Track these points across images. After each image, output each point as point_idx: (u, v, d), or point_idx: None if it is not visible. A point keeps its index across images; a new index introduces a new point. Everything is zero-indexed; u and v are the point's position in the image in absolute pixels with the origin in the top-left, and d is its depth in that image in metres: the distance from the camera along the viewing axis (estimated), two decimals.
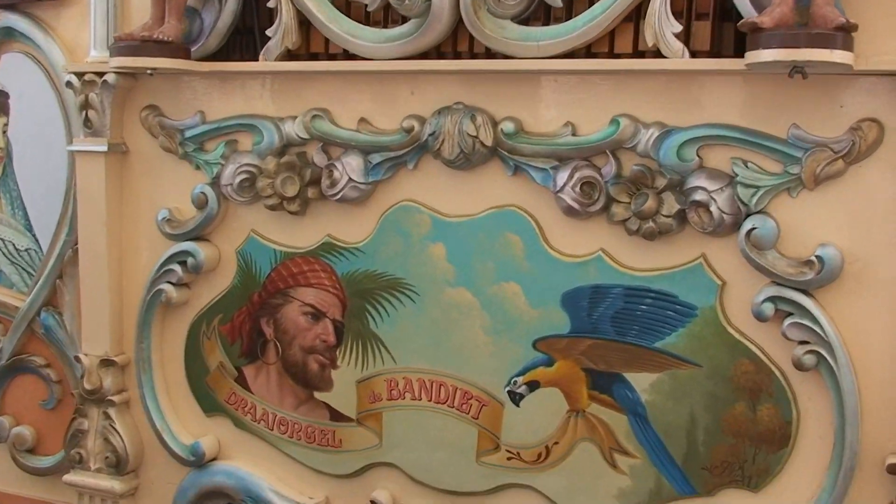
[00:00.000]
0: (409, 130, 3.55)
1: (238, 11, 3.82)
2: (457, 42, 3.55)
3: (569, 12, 3.37)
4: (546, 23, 3.41)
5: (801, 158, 3.05)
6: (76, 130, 4.20)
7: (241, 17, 3.84)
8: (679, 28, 3.13)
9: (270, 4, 3.74)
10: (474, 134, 3.41)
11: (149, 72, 3.79)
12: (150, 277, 4.06)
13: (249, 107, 3.87)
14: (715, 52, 3.20)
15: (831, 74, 2.96)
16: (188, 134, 3.97)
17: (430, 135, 3.49)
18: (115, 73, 3.95)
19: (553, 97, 3.40)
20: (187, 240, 3.99)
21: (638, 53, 3.27)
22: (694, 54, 3.15)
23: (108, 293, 4.12)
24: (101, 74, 4.00)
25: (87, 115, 4.05)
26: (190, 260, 3.94)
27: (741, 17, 3.08)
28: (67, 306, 4.39)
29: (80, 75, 4.05)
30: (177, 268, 3.98)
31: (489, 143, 3.42)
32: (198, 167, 3.98)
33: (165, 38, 3.62)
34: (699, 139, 3.17)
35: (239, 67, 3.80)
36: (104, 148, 4.05)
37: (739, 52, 3.12)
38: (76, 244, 4.25)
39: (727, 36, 3.23)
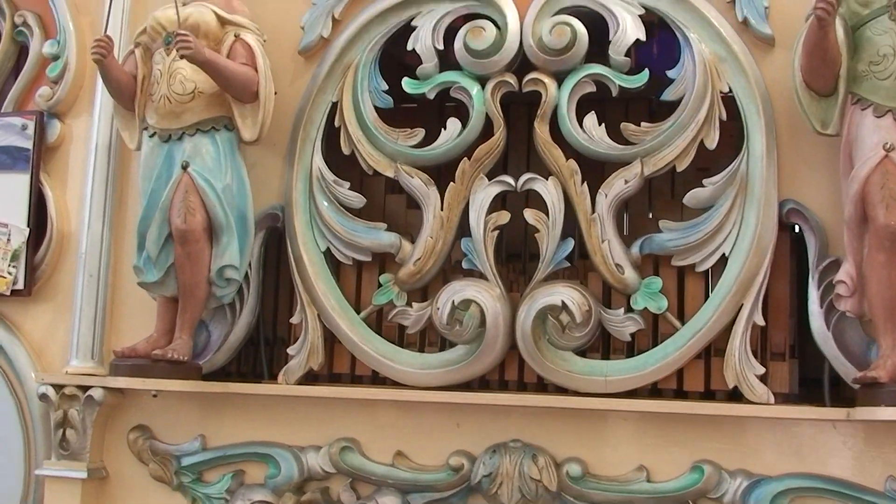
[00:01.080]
0: (456, 469, 3.47)
1: (252, 325, 3.78)
2: (504, 369, 3.58)
3: (630, 344, 3.46)
4: (606, 355, 3.48)
5: None
6: (43, 449, 3.96)
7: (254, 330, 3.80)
8: (762, 370, 3.24)
9: (294, 320, 3.72)
10: (537, 477, 3.36)
11: (154, 393, 3.66)
12: None
13: (263, 433, 3.73)
14: (790, 394, 3.31)
15: None
16: (185, 461, 3.78)
17: (484, 476, 3.41)
18: (102, 388, 3.78)
19: (622, 437, 3.40)
20: None
21: (709, 393, 3.36)
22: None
23: None
24: (84, 388, 3.83)
25: (64, 434, 3.82)
26: None
27: (809, 354, 3.27)
28: None
29: (57, 388, 3.87)
30: None
31: (553, 487, 3.36)
32: (195, 501, 3.77)
33: (180, 358, 3.51)
34: (792, 491, 3.19)
35: (255, 390, 3.69)
36: (83, 474, 3.80)
37: (808, 392, 3.32)
38: None
39: (792, 373, 3.36)
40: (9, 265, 4.13)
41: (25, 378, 4.09)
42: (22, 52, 4.50)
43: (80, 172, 4.20)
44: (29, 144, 4.21)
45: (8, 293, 4.13)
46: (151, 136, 3.61)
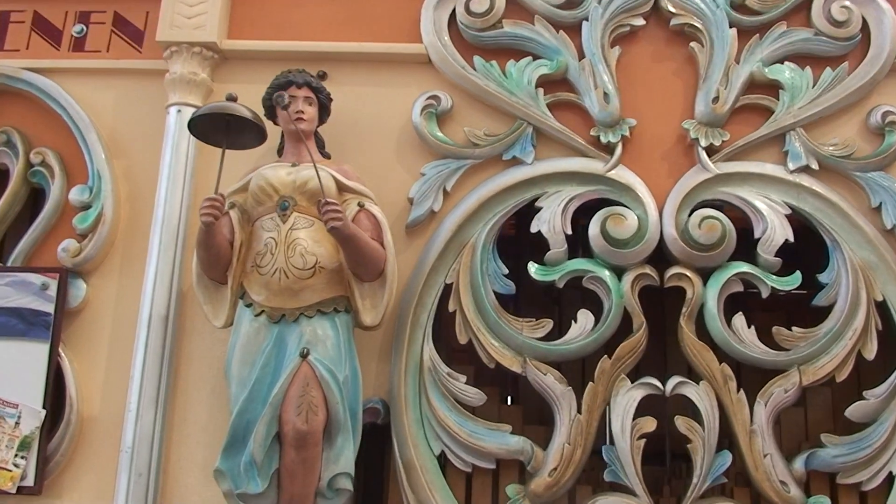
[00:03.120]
0: None
1: None
2: None
3: None
4: None
5: None
6: None
7: None
8: None
9: None
10: None
11: None
12: None
13: None
14: None
15: None
16: None
17: None
18: None
19: None
20: None
21: None
22: None
23: None
24: None
25: None
26: None
27: None
28: None
29: None
30: None
31: None
32: None
33: None
34: None
35: None
36: None
37: None
38: None
39: None
40: (16, 455, 3.37)
41: None
42: (33, 195, 3.82)
43: (105, 344, 3.60)
44: (50, 308, 3.53)
45: (13, 490, 3.37)
46: (258, 314, 3.06)
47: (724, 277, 3.32)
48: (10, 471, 3.36)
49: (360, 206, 3.20)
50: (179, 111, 3.62)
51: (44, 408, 3.42)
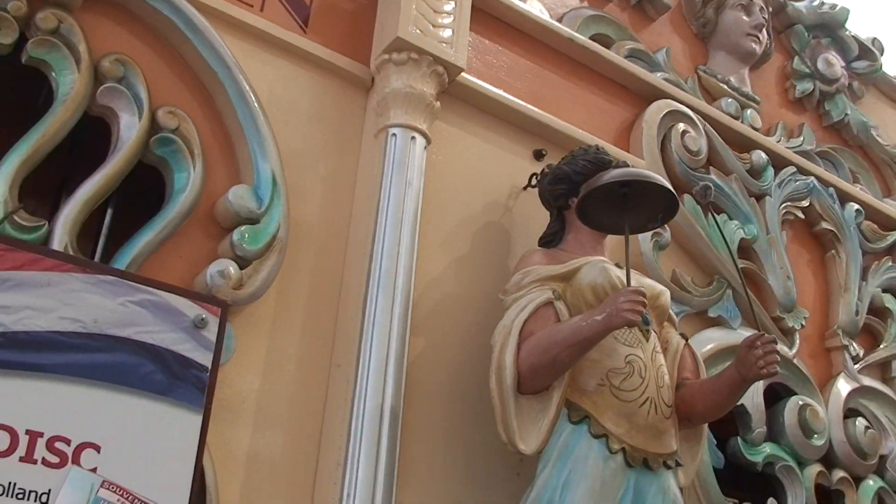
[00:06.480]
0: None
1: None
2: None
3: None
4: None
5: None
6: None
7: None
8: None
9: None
10: None
11: None
12: None
13: None
14: None
15: None
16: None
17: None
18: None
19: None
20: None
21: None
22: None
23: None
24: None
25: None
26: None
27: None
28: None
29: None
30: None
31: None
32: None
33: None
34: None
35: None
36: None
37: None
38: None
39: None
40: None
41: None
42: (145, 173, 2.50)
43: (247, 433, 2.37)
44: (206, 359, 2.26)
45: None
46: (615, 451, 2.31)
47: (875, 488, 3.35)
48: None
49: (686, 339, 2.66)
50: (413, 138, 2.67)
51: None
